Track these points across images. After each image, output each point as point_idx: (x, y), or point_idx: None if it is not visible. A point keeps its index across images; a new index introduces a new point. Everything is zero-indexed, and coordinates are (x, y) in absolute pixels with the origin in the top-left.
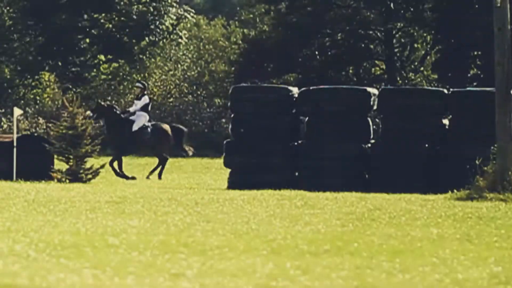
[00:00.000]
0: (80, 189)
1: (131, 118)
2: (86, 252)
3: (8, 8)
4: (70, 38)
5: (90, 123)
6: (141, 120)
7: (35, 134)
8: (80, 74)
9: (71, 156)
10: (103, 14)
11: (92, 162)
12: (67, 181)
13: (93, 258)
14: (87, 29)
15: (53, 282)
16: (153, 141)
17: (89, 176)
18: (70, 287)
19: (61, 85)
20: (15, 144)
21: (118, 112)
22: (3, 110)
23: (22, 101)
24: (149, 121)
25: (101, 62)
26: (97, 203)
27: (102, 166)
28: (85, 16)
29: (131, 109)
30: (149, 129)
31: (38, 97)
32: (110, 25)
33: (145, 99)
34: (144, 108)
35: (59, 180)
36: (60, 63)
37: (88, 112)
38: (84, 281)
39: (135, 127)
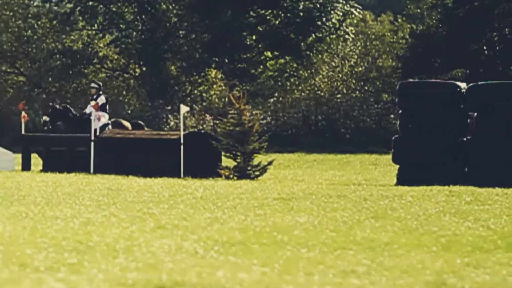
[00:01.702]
0: (248, 186)
1: (90, 118)
2: (254, 249)
3: (173, 5)
4: (236, 34)
5: (257, 119)
6: (101, 120)
7: (202, 131)
8: (247, 71)
9: (239, 153)
10: (269, 11)
11: (259, 158)
12: (235, 178)
13: (262, 255)
14: (254, 26)
15: (222, 279)
16: None
17: (257, 172)
18: (238, 285)
19: (227, 81)
20: (182, 141)
21: (74, 112)
22: (169, 107)
23: (189, 98)
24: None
25: (267, 59)
26: (265, 200)
27: (270, 163)
28: (251, 13)
29: (87, 110)
30: (110, 127)
31: (204, 94)
32: (277, 22)
33: (102, 99)
34: (102, 108)
35: (227, 177)
36: (226, 60)
37: (45, 117)
38: (252, 278)
39: (95, 126)
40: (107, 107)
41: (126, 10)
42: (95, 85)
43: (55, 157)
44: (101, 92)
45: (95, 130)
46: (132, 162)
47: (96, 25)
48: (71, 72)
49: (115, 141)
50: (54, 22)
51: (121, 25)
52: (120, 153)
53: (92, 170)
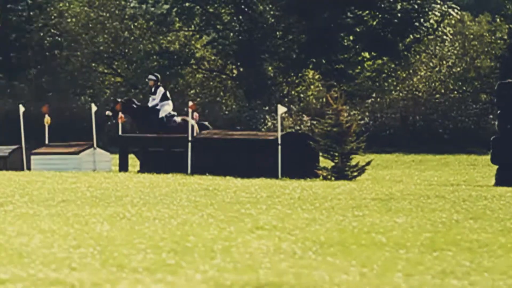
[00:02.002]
0: (346, 187)
1: (156, 109)
2: (352, 250)
3: (270, 5)
4: (333, 35)
5: (355, 120)
6: (165, 108)
7: (300, 132)
8: (344, 71)
9: (337, 153)
10: (366, 11)
11: (357, 159)
12: (333, 178)
13: (360, 256)
14: (351, 27)
15: (320, 280)
16: (182, 132)
17: (355, 173)
18: (336, 286)
19: (325, 82)
20: (279, 141)
21: (138, 104)
22: (267, 108)
23: (286, 99)
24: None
25: (365, 59)
26: (363, 201)
27: (368, 163)
28: (349, 14)
29: (150, 105)
30: (175, 118)
31: (302, 95)
32: (374, 23)
33: (161, 90)
34: (164, 99)
35: (325, 178)
36: (323, 61)
37: (107, 112)
38: (351, 279)
39: (161, 114)
40: (168, 95)
41: (223, 11)
42: (153, 77)
43: (152, 158)
44: (159, 83)
45: (162, 118)
46: (229, 163)
47: (193, 26)
48: (168, 73)
49: (212, 141)
50: (151, 23)
51: (218, 26)
52: (217, 154)
53: (189, 171)
